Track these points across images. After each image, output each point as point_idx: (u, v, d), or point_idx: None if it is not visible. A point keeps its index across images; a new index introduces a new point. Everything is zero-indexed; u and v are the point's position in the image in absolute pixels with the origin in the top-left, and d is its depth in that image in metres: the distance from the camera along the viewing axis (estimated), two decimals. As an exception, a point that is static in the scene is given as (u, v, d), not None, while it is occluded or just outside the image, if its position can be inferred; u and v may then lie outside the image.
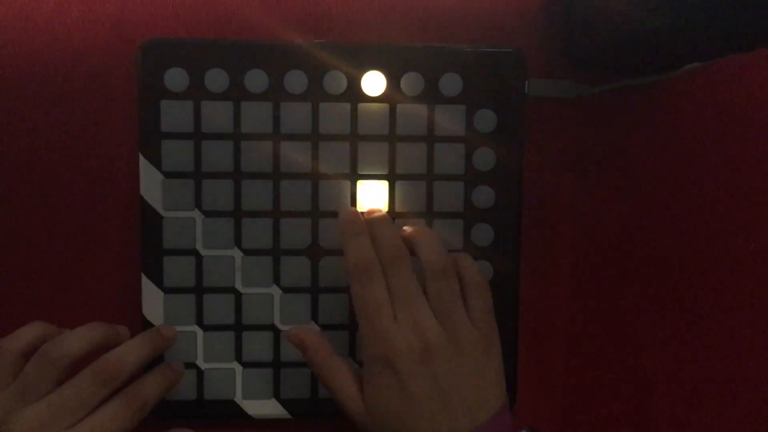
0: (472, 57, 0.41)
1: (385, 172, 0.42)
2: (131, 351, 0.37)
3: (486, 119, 0.42)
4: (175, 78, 0.40)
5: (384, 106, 0.41)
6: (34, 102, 0.42)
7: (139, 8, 0.42)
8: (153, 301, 0.41)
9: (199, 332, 0.42)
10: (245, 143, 0.41)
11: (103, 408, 0.35)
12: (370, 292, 0.36)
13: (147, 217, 0.41)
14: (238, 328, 0.42)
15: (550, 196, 0.44)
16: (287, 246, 0.42)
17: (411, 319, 0.36)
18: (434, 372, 0.35)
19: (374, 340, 0.36)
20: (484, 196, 0.42)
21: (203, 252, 0.41)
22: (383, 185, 0.42)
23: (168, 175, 0.41)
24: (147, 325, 0.41)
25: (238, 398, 0.42)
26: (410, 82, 0.41)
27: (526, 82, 0.42)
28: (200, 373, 0.42)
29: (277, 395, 0.42)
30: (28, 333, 0.37)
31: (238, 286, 0.42)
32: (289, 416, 0.42)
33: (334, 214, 0.41)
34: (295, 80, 0.41)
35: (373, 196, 0.42)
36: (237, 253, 0.41)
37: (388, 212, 0.41)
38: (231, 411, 0.42)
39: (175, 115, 0.40)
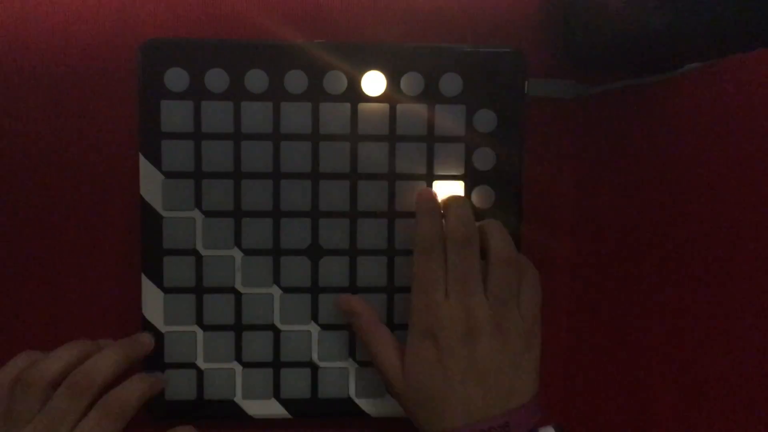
0: (472, 57, 0.41)
1: (385, 172, 0.42)
2: (103, 360, 0.37)
3: (486, 119, 0.42)
4: (175, 78, 0.40)
5: (384, 106, 0.41)
6: (34, 102, 0.42)
7: (139, 8, 0.42)
8: (153, 301, 0.41)
9: (199, 332, 0.42)
10: (245, 143, 0.41)
11: (84, 420, 0.36)
12: (428, 266, 0.38)
13: (147, 217, 0.41)
14: (238, 328, 0.42)
15: (550, 196, 0.44)
16: (287, 246, 0.42)
17: (463, 298, 0.37)
18: (474, 353, 0.36)
19: (423, 312, 0.37)
20: (484, 196, 0.42)
21: (203, 252, 0.41)
22: (383, 185, 0.42)
23: (168, 175, 0.41)
24: (147, 325, 0.41)
25: (238, 398, 0.42)
26: (410, 82, 0.41)
27: (526, 82, 0.42)
28: (200, 373, 0.42)
29: (277, 395, 0.42)
30: (16, 364, 0.38)
31: (238, 286, 0.42)
32: (289, 416, 0.42)
33: (334, 215, 0.41)
34: (295, 80, 0.41)
35: (372, 196, 0.42)
36: (237, 253, 0.41)
37: (388, 212, 0.42)
38: (231, 411, 0.42)
39: (175, 115, 0.40)
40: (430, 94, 0.41)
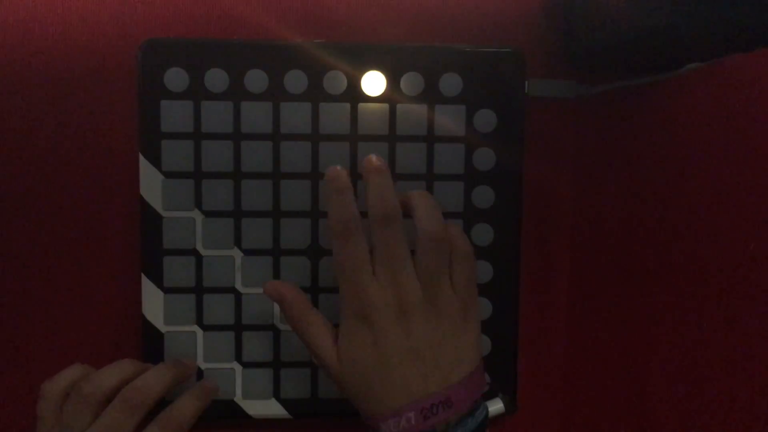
0: (472, 57, 0.41)
1: (385, 172, 0.42)
2: (155, 377, 0.38)
3: (486, 119, 0.42)
4: (175, 78, 0.40)
5: (384, 106, 0.41)
6: (34, 102, 0.42)
7: (139, 8, 0.42)
8: (153, 301, 0.41)
9: (199, 332, 0.42)
10: (245, 143, 0.41)
11: None
12: (350, 249, 0.37)
13: (147, 217, 0.41)
14: (238, 328, 0.42)
15: (550, 196, 0.44)
16: (287, 246, 0.42)
17: (391, 277, 0.36)
18: (409, 331, 0.36)
19: (352, 296, 0.37)
20: (484, 196, 0.42)
21: (203, 252, 0.41)
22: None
23: (168, 175, 0.41)
24: (147, 325, 0.41)
25: (238, 398, 0.42)
26: (410, 82, 0.41)
27: (526, 82, 0.42)
28: (200, 373, 0.42)
29: (277, 395, 0.42)
30: (68, 375, 0.38)
31: (238, 286, 0.42)
32: (289, 416, 0.42)
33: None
34: (295, 80, 0.41)
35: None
36: (237, 253, 0.41)
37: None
38: (231, 411, 0.42)
39: (175, 115, 0.40)
40: (430, 94, 0.41)
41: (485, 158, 0.42)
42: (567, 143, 0.44)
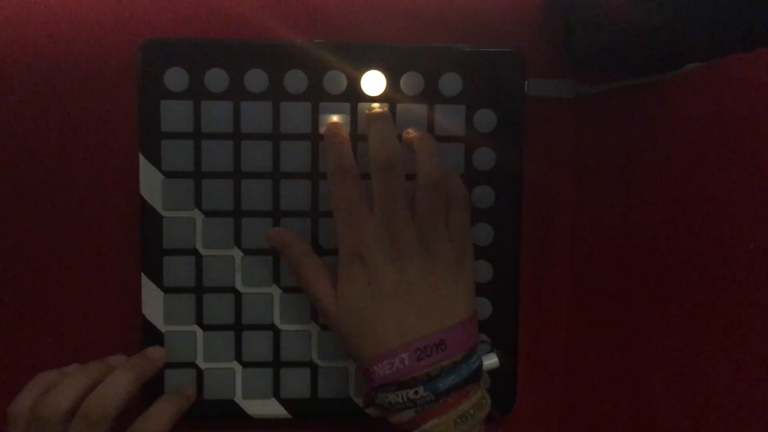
0: (472, 57, 0.41)
1: (385, 172, 0.42)
2: (114, 385, 0.37)
3: (486, 119, 0.42)
4: (175, 78, 0.40)
5: (384, 106, 0.41)
6: (34, 102, 0.42)
7: (139, 8, 0.42)
8: (153, 301, 0.41)
9: (199, 332, 0.42)
10: (245, 143, 0.41)
11: None
12: (346, 188, 0.37)
13: (147, 217, 0.41)
14: (238, 327, 0.42)
15: (550, 196, 0.44)
16: (287, 246, 0.42)
17: (388, 220, 0.37)
18: (403, 270, 0.36)
19: (347, 233, 0.37)
20: (484, 196, 0.42)
21: (203, 252, 0.41)
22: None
23: (168, 174, 0.41)
24: (147, 325, 0.41)
25: (238, 398, 0.42)
26: (410, 82, 0.41)
27: (526, 82, 0.42)
28: (200, 373, 0.42)
29: (277, 395, 0.42)
30: (28, 395, 0.37)
31: (238, 286, 0.42)
32: (289, 416, 0.42)
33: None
34: (295, 80, 0.41)
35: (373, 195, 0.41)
36: (237, 253, 0.41)
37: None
38: (231, 411, 0.42)
39: (175, 115, 0.40)
40: (430, 94, 0.41)
41: (485, 158, 0.42)
42: (567, 143, 0.44)
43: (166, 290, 0.41)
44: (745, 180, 0.45)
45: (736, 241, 0.45)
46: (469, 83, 0.41)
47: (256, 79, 0.41)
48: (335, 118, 0.41)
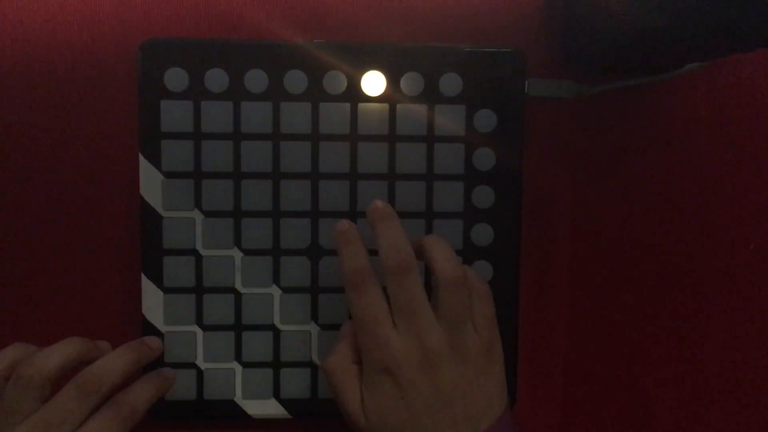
0: (472, 57, 0.41)
1: (384, 172, 0.42)
2: (113, 362, 0.37)
3: (486, 119, 0.42)
4: (175, 78, 0.40)
5: (384, 106, 0.41)
6: (34, 102, 0.42)
7: (139, 8, 0.42)
8: (153, 301, 0.41)
9: (199, 332, 0.42)
10: (245, 143, 0.41)
11: (91, 420, 0.35)
12: (367, 301, 0.36)
13: (147, 217, 0.41)
14: (238, 328, 0.42)
15: (550, 196, 0.44)
16: (287, 246, 0.42)
17: (413, 328, 0.35)
18: (435, 380, 0.35)
19: (373, 348, 0.35)
20: (484, 196, 0.42)
21: (203, 252, 0.41)
22: (383, 185, 0.42)
23: (168, 175, 0.41)
24: (147, 325, 0.41)
25: (238, 398, 0.42)
26: (410, 82, 0.41)
27: (526, 82, 0.42)
28: (200, 373, 0.42)
29: (277, 395, 0.42)
30: (6, 356, 0.36)
31: (238, 286, 0.42)
32: (289, 416, 0.42)
33: (334, 215, 0.41)
34: (295, 80, 0.41)
35: (372, 196, 0.41)
36: (237, 253, 0.41)
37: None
38: (231, 411, 0.42)
39: (175, 115, 0.40)
40: (430, 94, 0.41)
41: (485, 158, 0.42)
42: (567, 143, 0.44)
43: (166, 290, 0.41)
44: (745, 180, 0.45)
45: (736, 242, 0.45)
46: (469, 83, 0.41)
47: (256, 79, 0.41)
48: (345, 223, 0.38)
